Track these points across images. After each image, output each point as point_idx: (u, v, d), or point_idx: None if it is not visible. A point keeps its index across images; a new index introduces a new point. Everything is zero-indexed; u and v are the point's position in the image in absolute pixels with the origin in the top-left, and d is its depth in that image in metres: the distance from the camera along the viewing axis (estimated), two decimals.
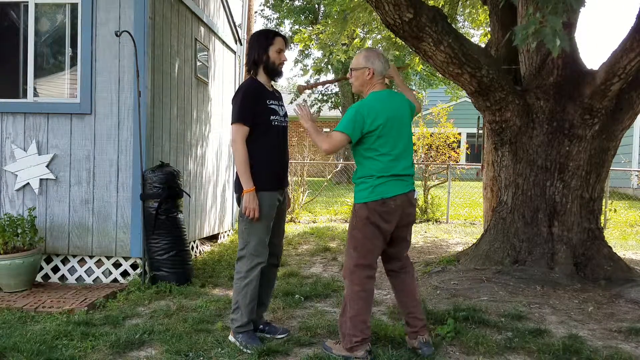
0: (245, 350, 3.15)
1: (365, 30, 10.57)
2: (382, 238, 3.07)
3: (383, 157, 3.02)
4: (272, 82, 3.37)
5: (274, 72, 3.28)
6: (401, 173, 3.06)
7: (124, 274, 4.92)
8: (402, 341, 3.26)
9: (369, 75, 3.10)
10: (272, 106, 3.23)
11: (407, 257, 3.27)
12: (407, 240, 3.23)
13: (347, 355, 3.04)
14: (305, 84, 3.78)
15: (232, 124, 3.17)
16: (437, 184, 11.20)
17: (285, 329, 3.50)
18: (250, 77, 3.27)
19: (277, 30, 3.40)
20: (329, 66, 18.35)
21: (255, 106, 3.15)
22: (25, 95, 5.02)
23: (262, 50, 3.22)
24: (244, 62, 8.93)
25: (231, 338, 3.31)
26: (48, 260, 4.95)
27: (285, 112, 3.37)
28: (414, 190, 3.13)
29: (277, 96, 3.34)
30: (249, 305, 3.23)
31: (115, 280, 4.90)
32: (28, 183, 4.92)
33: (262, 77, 3.27)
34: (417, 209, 3.23)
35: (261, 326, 3.46)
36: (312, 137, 3.09)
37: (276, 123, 3.23)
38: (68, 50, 5.04)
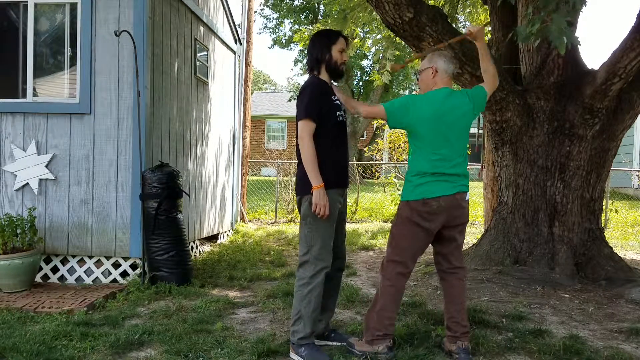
0: None
1: (365, 30, 10.55)
2: (424, 238, 3.05)
3: (430, 156, 3.00)
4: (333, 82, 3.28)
5: (336, 71, 3.20)
6: (449, 173, 3.01)
7: (124, 274, 4.91)
8: (403, 342, 3.25)
9: (432, 74, 3.11)
10: (337, 102, 3.18)
11: (460, 260, 3.19)
12: (456, 240, 3.14)
13: (367, 349, 3.02)
14: (397, 63, 3.61)
15: (298, 120, 3.07)
16: None
17: (350, 337, 3.30)
18: (313, 75, 3.21)
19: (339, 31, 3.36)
20: None
21: (321, 103, 3.09)
22: (24, 95, 5.01)
23: (325, 49, 3.16)
24: (244, 61, 8.93)
25: (292, 355, 3.06)
26: (47, 261, 4.94)
27: (345, 108, 3.31)
28: (465, 192, 3.05)
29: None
30: (312, 315, 3.04)
31: (114, 280, 4.89)
32: (27, 183, 4.91)
33: (324, 76, 3.21)
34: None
35: (326, 333, 3.33)
36: (347, 103, 3.24)
37: (341, 119, 3.18)
38: (67, 50, 5.03)
